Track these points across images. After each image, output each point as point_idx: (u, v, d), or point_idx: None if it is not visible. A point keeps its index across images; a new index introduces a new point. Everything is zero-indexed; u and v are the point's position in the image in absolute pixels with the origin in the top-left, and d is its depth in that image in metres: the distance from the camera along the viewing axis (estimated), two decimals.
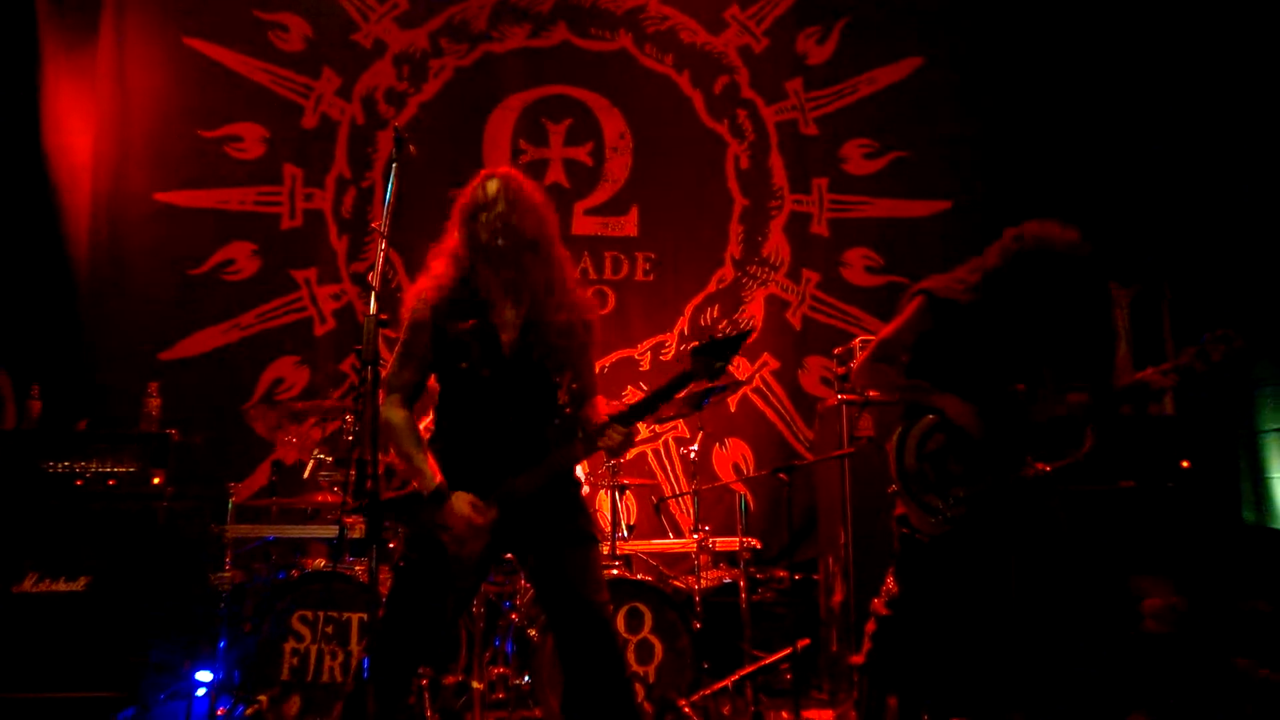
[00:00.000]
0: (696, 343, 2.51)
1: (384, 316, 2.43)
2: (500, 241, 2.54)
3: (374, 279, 2.38)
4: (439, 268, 2.65)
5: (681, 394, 2.59)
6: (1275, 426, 4.90)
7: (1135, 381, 3.07)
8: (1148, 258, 4.98)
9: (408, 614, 2.50)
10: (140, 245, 5.44)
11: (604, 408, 2.72)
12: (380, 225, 2.50)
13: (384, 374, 2.63)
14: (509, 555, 2.73)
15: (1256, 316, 4.78)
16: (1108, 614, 3.81)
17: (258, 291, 5.49)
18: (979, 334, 3.11)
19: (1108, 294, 4.56)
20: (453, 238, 2.65)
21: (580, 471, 4.68)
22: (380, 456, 2.39)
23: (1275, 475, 4.87)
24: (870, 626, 3.25)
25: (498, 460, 2.54)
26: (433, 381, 2.73)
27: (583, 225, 5.74)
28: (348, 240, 5.61)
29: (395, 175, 2.55)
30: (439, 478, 2.51)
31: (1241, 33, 4.99)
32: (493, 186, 2.58)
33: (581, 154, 5.80)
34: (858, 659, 3.33)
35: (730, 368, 5.53)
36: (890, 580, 3.23)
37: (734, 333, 2.51)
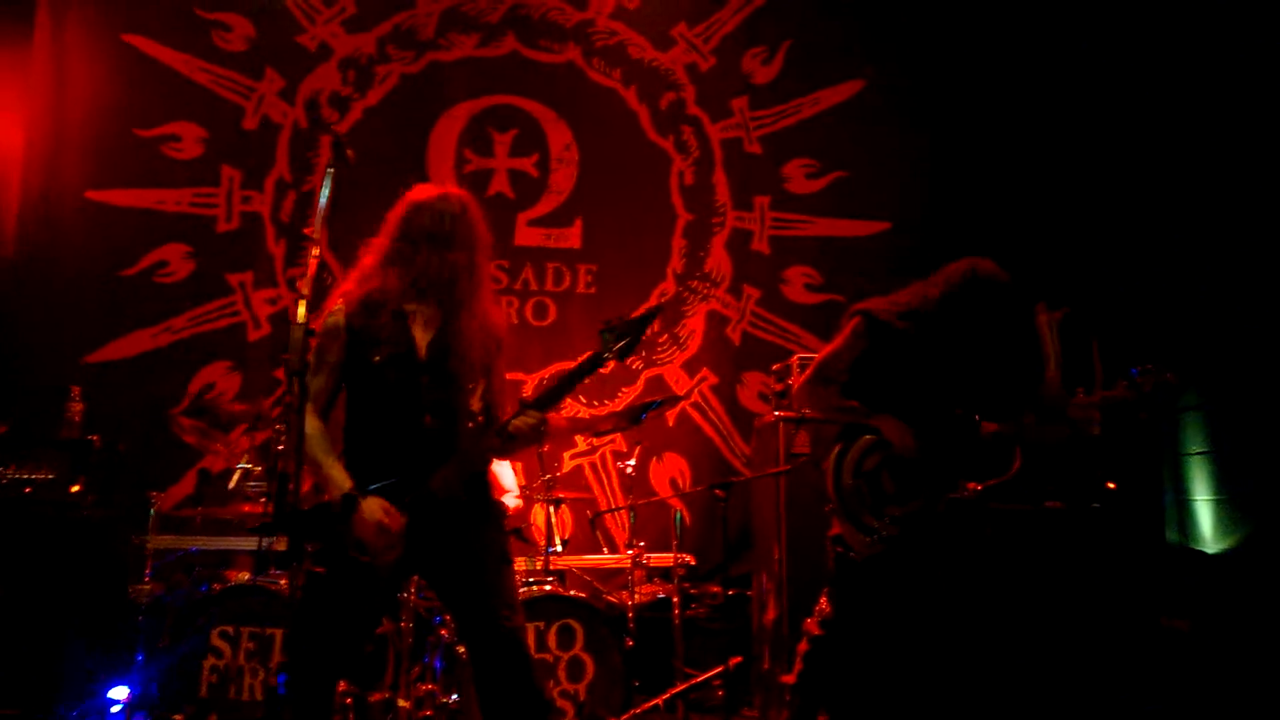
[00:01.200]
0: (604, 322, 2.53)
1: (314, 326, 2.39)
2: (443, 271, 2.59)
3: (304, 286, 2.33)
4: (364, 270, 2.65)
5: (590, 377, 2.59)
6: (1199, 450, 5.05)
7: (1062, 411, 3.15)
8: (1077, 282, 5.11)
9: (320, 630, 2.44)
10: (70, 244, 5.29)
11: None
12: (314, 231, 2.46)
13: None
14: (419, 579, 2.67)
15: (1180, 343, 4.94)
16: (1035, 634, 3.88)
17: (191, 294, 5.37)
18: (916, 356, 3.16)
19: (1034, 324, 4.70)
20: (385, 244, 2.65)
21: (511, 480, 4.65)
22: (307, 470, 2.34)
23: (1198, 497, 5.02)
24: (803, 646, 3.25)
25: (410, 464, 2.51)
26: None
27: (526, 236, 5.71)
28: (285, 245, 5.51)
29: (332, 182, 2.50)
30: (348, 483, 2.47)
31: (1177, 73, 5.16)
32: (449, 221, 2.61)
33: (527, 165, 5.77)
34: (789, 678, 3.33)
35: (671, 383, 5.60)
36: (824, 600, 3.24)
37: (644, 312, 2.52)
